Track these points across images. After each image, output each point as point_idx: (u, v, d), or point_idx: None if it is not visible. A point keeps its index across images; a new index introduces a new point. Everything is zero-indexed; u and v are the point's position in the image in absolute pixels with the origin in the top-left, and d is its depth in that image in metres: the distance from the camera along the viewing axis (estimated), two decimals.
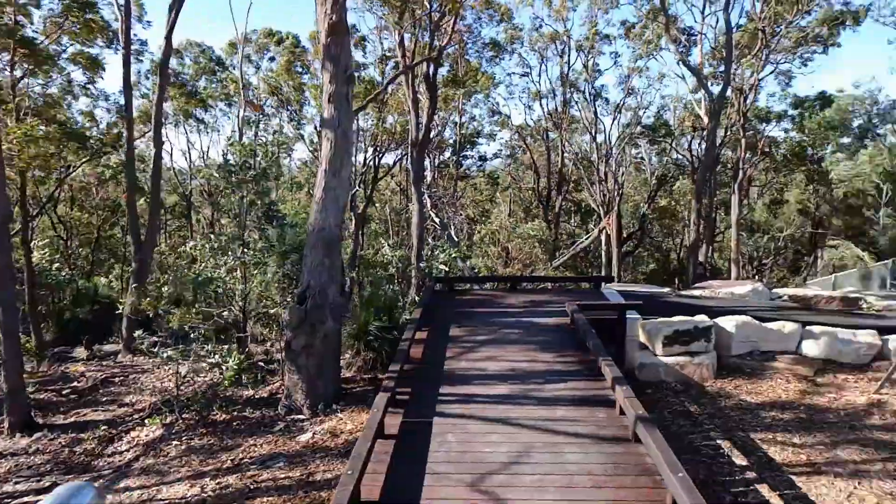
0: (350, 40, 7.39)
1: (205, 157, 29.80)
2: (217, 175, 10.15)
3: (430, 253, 15.32)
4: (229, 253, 9.29)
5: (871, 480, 4.62)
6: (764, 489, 4.56)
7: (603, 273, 24.04)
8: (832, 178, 24.11)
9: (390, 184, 34.17)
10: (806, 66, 23.26)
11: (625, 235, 29.93)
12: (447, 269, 14.25)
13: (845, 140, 28.78)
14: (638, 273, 32.13)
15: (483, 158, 35.78)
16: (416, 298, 9.90)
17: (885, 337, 6.92)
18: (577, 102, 27.15)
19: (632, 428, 4.16)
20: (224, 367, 7.89)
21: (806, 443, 5.26)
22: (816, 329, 7.08)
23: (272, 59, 26.40)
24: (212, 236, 10.25)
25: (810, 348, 6.98)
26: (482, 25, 24.38)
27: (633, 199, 32.14)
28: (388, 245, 16.48)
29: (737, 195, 23.25)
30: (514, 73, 28.55)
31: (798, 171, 27.50)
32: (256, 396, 7.64)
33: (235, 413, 7.04)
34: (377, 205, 32.61)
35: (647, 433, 3.80)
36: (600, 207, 25.70)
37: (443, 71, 25.30)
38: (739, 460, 5.01)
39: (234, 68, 23.72)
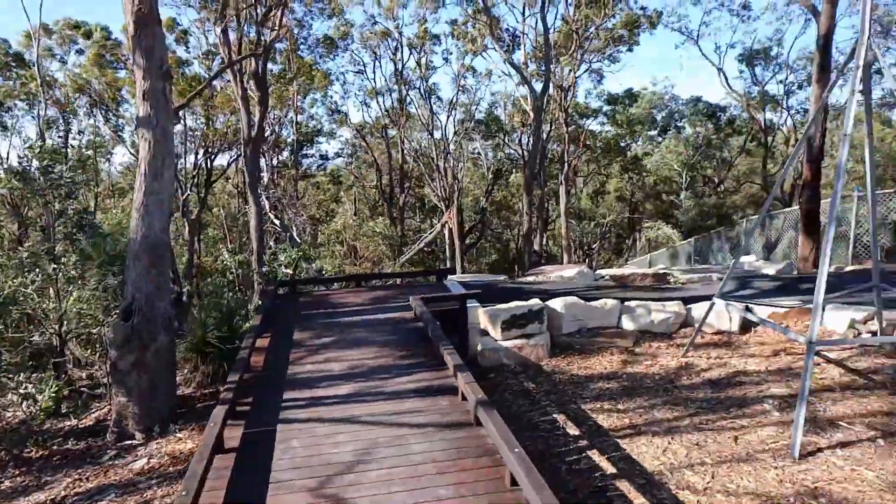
0: (163, 31, 6.89)
1: (3, 163, 26.37)
2: (16, 183, 9.03)
3: (271, 256, 14.80)
4: (37, 269, 8.30)
5: (681, 435, 5.20)
6: (594, 455, 4.96)
7: (448, 266, 24.69)
8: (641, 168, 26.75)
9: (226, 186, 32.48)
10: (614, 64, 25.52)
11: (466, 228, 30.98)
12: (291, 271, 13.87)
13: (652, 133, 32.04)
14: (482, 264, 33.48)
15: (325, 157, 35.17)
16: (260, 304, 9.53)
17: (689, 306, 7.82)
18: (413, 100, 27.62)
19: (473, 412, 4.33)
20: (39, 398, 7.06)
21: (628, 408, 5.80)
22: (633, 304, 7.83)
23: (80, 52, 23.92)
24: (15, 251, 9.10)
25: (628, 322, 7.71)
26: (313, 19, 23.92)
27: (472, 192, 33.38)
28: (227, 250, 15.66)
29: (564, 186, 25.02)
30: (348, 70, 28.38)
31: (615, 161, 30.20)
32: (80, 426, 6.93)
33: (55, 447, 6.33)
34: (214, 209, 30.84)
35: (487, 415, 3.97)
36: (442, 202, 26.39)
37: (275, 67, 24.49)
38: (573, 431, 5.40)
39: (33, 64, 21.21)
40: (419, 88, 27.71)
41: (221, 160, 27.58)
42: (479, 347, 7.25)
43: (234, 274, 14.41)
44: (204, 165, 25.25)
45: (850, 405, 5.53)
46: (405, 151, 30.05)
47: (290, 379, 5.58)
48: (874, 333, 6.84)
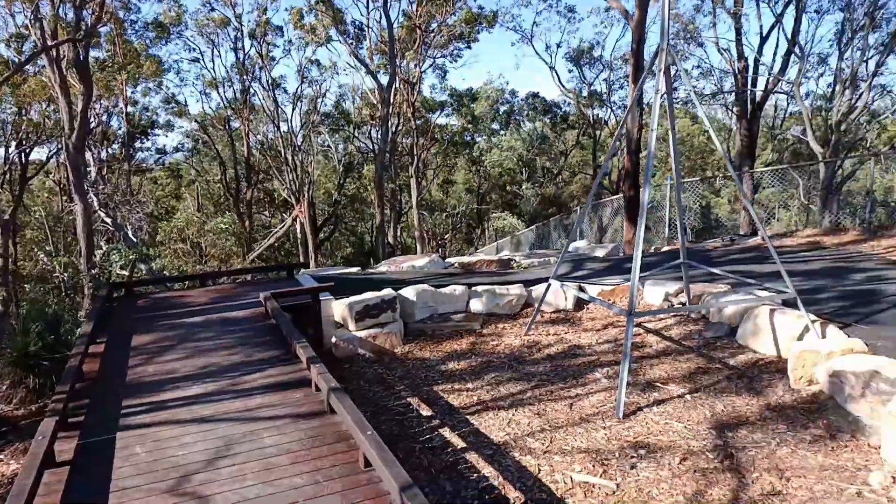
0: None
1: None
2: None
3: (103, 257, 13.65)
4: None
5: (525, 407, 5.63)
6: (446, 432, 5.23)
7: (302, 261, 24.23)
8: (485, 160, 27.93)
9: (46, 183, 29.33)
10: (456, 60, 26.37)
11: (320, 222, 30.49)
12: (127, 273, 12.90)
13: (496, 127, 33.47)
14: (337, 257, 33.18)
15: (162, 151, 32.81)
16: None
17: (529, 288, 8.39)
18: (257, 91, 26.62)
19: (326, 401, 4.39)
20: None
21: (477, 386, 6.16)
22: (479, 289, 8.25)
23: None
24: None
25: (476, 305, 8.13)
26: (141, 1, 22.24)
27: (325, 186, 32.90)
28: (44, 252, 14.20)
29: (415, 179, 25.47)
30: (182, 58, 26.70)
31: (462, 154, 31.24)
32: None
33: None
34: (33, 209, 27.71)
35: (339, 402, 4.06)
36: (292, 196, 25.78)
37: (101, 54, 22.49)
38: (426, 412, 5.64)
39: None
40: (261, 80, 26.77)
41: (39, 154, 24.83)
42: (332, 339, 7.28)
43: (61, 278, 13.11)
44: (18, 160, 22.57)
45: (665, 368, 6.30)
46: (251, 144, 28.91)
47: (129, 385, 5.26)
48: (683, 304, 7.80)
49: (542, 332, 7.55)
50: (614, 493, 4.19)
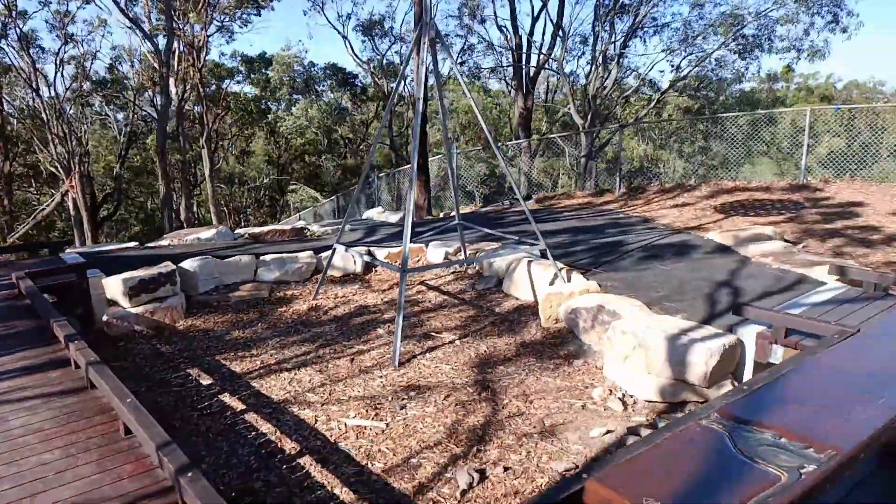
0: None
1: None
2: None
3: None
4: None
5: (308, 366, 5.81)
6: (226, 397, 5.25)
7: (78, 241, 21.85)
8: (282, 130, 27.21)
9: None
10: (246, 26, 25.18)
11: (100, 198, 27.62)
12: None
13: (297, 97, 32.60)
14: (125, 236, 30.34)
15: None
16: None
17: (319, 255, 8.54)
18: (6, 50, 23.06)
19: (86, 376, 4.19)
20: None
21: (262, 352, 6.21)
22: (268, 257, 8.22)
23: None
24: None
25: (265, 274, 8.09)
26: None
27: (105, 158, 29.72)
28: None
29: (206, 149, 24.04)
30: None
31: (259, 124, 30.06)
32: None
33: None
34: None
35: (98, 375, 3.91)
36: (62, 170, 22.98)
37: None
38: (206, 381, 5.59)
39: None
40: (10, 37, 23.19)
41: None
42: (104, 318, 6.82)
43: None
44: None
45: (441, 320, 6.86)
46: (6, 111, 25.09)
47: None
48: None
49: (331, 296, 7.76)
50: (384, 431, 4.57)
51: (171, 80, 21.71)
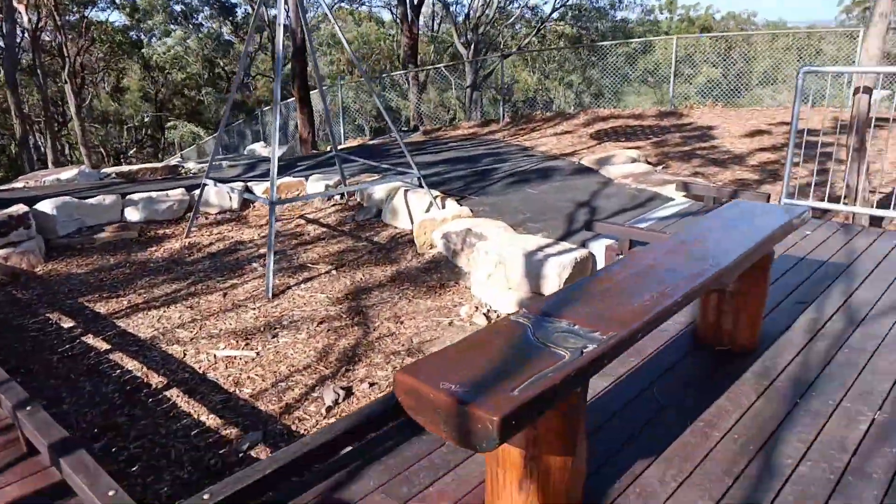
0: None
1: None
2: None
3: None
4: None
5: (178, 303, 5.71)
6: (89, 338, 5.10)
7: None
8: (156, 61, 25.37)
9: None
10: None
11: None
12: None
13: (173, 26, 30.23)
14: None
15: None
16: None
17: (192, 192, 8.23)
18: None
19: None
20: None
21: (129, 292, 6.02)
22: (136, 196, 7.84)
23: None
24: None
25: (133, 214, 7.74)
26: None
27: None
28: None
29: (70, 84, 22.05)
30: None
31: (132, 57, 27.79)
32: None
33: None
34: None
35: None
36: None
37: None
38: (67, 324, 5.38)
39: None
40: None
41: None
42: None
43: None
44: None
45: (319, 251, 6.89)
46: None
47: None
48: (342, 194, 8.47)
49: (206, 233, 7.57)
50: (254, 360, 4.64)
51: (22, 7, 19.52)
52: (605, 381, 3.16)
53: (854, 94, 5.59)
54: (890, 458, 2.48)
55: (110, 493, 2.28)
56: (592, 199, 6.97)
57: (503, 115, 14.10)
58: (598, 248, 5.21)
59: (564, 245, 5.28)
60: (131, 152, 33.03)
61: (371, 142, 15.03)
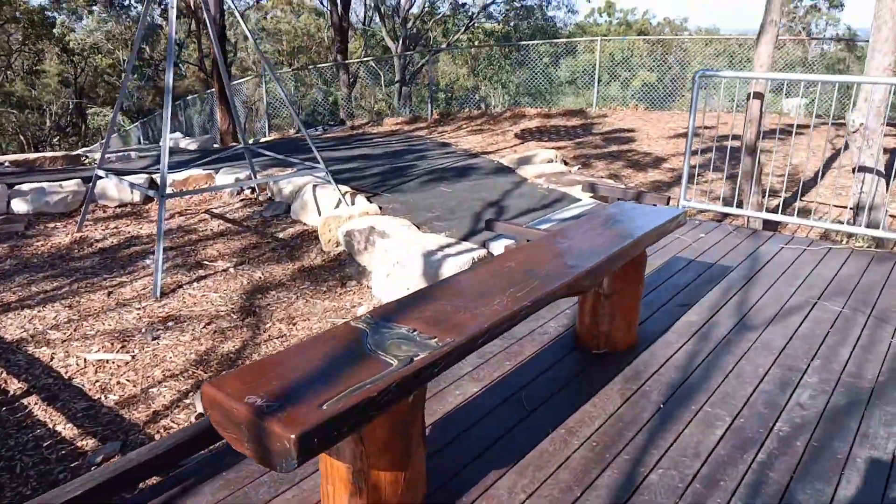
0: None
1: None
2: None
3: None
4: None
5: (57, 302, 5.33)
6: None
7: None
8: (73, 46, 24.12)
9: None
10: None
11: None
12: None
13: (96, 8, 28.75)
14: None
15: None
16: None
17: (88, 184, 7.76)
18: None
19: None
20: None
21: (3, 289, 5.58)
22: (25, 187, 7.33)
23: None
24: None
25: (21, 206, 7.23)
26: None
27: None
28: None
29: None
30: None
31: (49, 39, 26.30)
32: None
33: None
34: None
35: None
36: None
37: None
38: None
39: None
40: None
41: None
42: None
43: None
44: None
45: (219, 247, 6.59)
46: None
47: None
48: (252, 189, 8.17)
49: (100, 228, 7.14)
50: (127, 364, 4.35)
51: None
52: (475, 386, 3.08)
53: (747, 100, 5.72)
54: (740, 465, 2.47)
55: None
56: (503, 198, 6.93)
57: (431, 111, 14.00)
58: (498, 248, 5.15)
59: (465, 245, 5.20)
60: (55, 140, 31.27)
61: (296, 136, 14.67)
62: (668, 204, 5.92)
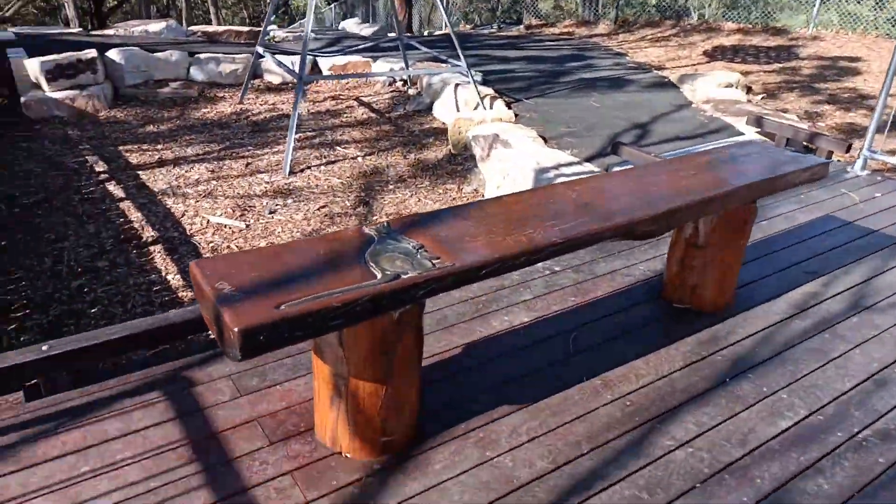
0: None
1: None
2: None
3: None
4: None
5: (202, 164, 5.84)
6: (112, 185, 5.36)
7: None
8: None
9: None
10: None
11: None
12: None
13: None
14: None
15: None
16: None
17: (260, 60, 8.24)
18: None
19: None
20: None
21: (165, 147, 6.23)
22: (203, 56, 7.97)
23: None
24: None
25: (197, 73, 7.90)
26: None
27: None
28: None
29: None
30: None
31: None
32: None
33: None
34: None
35: None
36: None
37: None
38: (100, 168, 5.68)
39: None
40: None
41: None
42: (22, 99, 6.82)
43: None
44: None
45: (355, 134, 6.75)
46: None
47: None
48: (405, 81, 8.17)
49: (260, 101, 7.62)
50: (241, 231, 4.70)
51: None
52: (526, 315, 2.90)
53: None
54: (790, 467, 2.10)
55: None
56: (654, 121, 6.26)
57: (616, 16, 12.85)
58: None
59: (584, 167, 4.81)
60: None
61: (469, 31, 14.33)
62: (847, 151, 4.97)
